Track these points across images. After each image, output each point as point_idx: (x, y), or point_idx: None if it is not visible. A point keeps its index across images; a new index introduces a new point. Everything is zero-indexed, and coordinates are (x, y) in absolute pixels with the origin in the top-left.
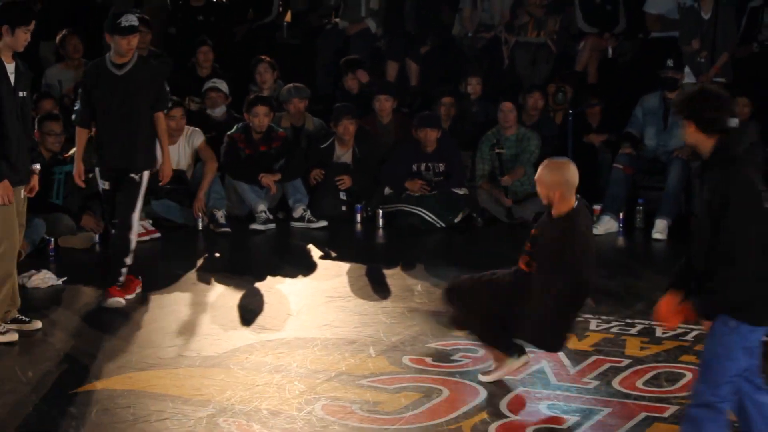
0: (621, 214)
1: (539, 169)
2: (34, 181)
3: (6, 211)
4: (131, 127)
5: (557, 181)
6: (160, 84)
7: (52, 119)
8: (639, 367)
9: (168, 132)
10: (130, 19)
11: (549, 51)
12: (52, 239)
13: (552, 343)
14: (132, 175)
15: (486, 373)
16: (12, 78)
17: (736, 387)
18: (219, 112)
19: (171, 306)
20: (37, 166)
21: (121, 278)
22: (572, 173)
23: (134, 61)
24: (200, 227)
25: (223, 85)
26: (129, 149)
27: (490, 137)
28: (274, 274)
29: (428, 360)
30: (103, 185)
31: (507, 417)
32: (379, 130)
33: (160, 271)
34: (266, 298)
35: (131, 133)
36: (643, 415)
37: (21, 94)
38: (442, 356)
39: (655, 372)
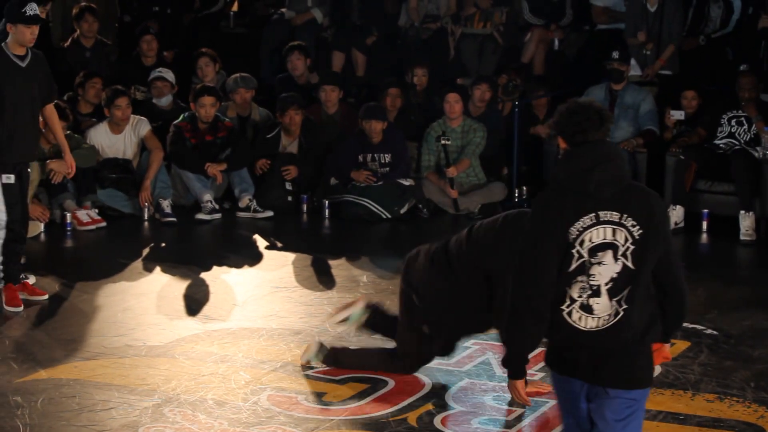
0: None
1: None
2: None
3: None
4: (36, 120)
5: None
6: (50, 75)
7: None
8: None
9: (114, 121)
10: (35, 8)
11: (495, 42)
12: None
13: None
14: (28, 169)
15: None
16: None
17: None
18: (165, 101)
19: (116, 295)
20: None
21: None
22: None
23: (30, 52)
24: (146, 216)
25: (169, 75)
26: (34, 142)
27: (436, 128)
28: (219, 264)
29: None
30: (8, 179)
31: (452, 408)
32: (325, 121)
33: (106, 260)
34: (212, 288)
35: (36, 126)
36: None
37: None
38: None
39: None
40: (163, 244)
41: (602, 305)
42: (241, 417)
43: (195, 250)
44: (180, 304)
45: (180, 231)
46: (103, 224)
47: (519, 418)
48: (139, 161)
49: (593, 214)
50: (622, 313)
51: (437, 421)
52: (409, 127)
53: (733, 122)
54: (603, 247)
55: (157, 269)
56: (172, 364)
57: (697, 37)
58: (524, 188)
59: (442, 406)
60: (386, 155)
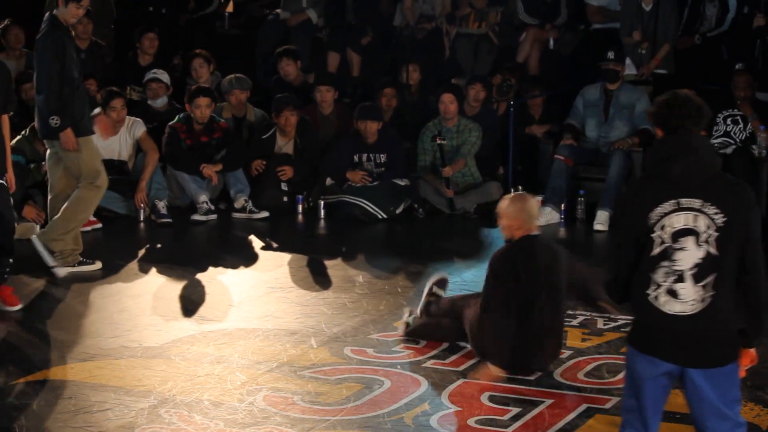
0: (562, 206)
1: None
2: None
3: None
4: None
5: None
6: (9, 86)
7: None
8: (580, 358)
9: (110, 123)
10: None
11: (490, 42)
12: None
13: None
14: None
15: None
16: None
17: None
18: (160, 102)
19: (112, 296)
20: None
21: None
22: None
23: None
24: (141, 218)
25: (165, 76)
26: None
27: (431, 128)
28: (215, 265)
29: (370, 351)
30: None
31: (448, 408)
32: (320, 121)
33: (102, 261)
34: (208, 289)
35: (1, 139)
36: (584, 406)
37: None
38: (383, 347)
39: (596, 363)
40: (159, 245)
41: (688, 290)
42: (237, 417)
43: (191, 251)
44: (176, 305)
45: (176, 232)
46: (99, 225)
47: (515, 418)
48: (135, 162)
49: (674, 201)
50: (709, 300)
51: (433, 420)
52: (404, 127)
53: (728, 121)
54: (684, 232)
55: (153, 270)
56: (168, 365)
57: (692, 36)
58: (519, 188)
59: (438, 406)
60: (381, 155)
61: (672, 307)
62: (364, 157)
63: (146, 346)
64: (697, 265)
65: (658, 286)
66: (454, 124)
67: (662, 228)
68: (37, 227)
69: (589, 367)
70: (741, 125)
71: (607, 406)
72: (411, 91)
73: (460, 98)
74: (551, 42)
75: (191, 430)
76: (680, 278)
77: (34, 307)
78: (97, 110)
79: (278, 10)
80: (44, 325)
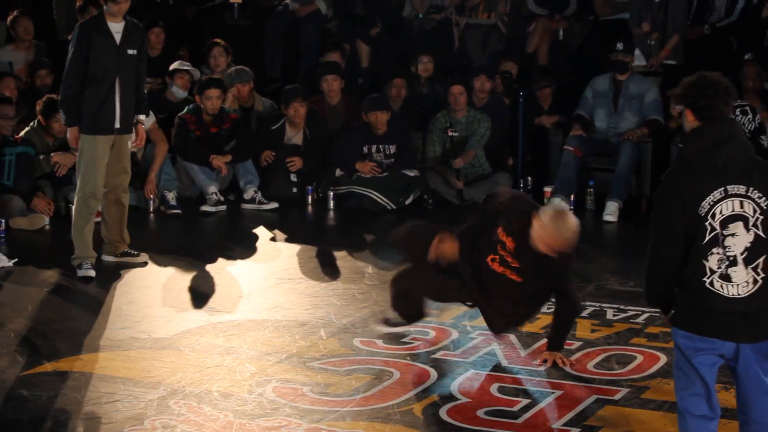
0: (572, 196)
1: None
2: (141, 131)
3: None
4: None
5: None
6: None
7: (5, 102)
8: (590, 349)
9: None
10: None
11: (500, 33)
12: (3, 221)
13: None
14: None
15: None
16: (118, 37)
17: None
18: (182, 95)
19: (121, 288)
20: (142, 117)
21: None
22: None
23: None
24: (151, 209)
25: (194, 70)
26: None
27: (441, 119)
28: (224, 256)
29: (379, 342)
30: None
31: (458, 399)
32: (328, 112)
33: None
34: (217, 280)
35: None
36: (594, 397)
37: (130, 51)
38: (392, 338)
39: (606, 354)
40: (168, 237)
41: (740, 274)
42: (246, 409)
43: (200, 242)
44: (185, 296)
45: (185, 223)
46: None
47: (524, 409)
48: (144, 153)
49: (722, 188)
50: (761, 282)
51: (442, 412)
52: (414, 117)
53: (737, 111)
54: (733, 218)
55: (162, 261)
56: (177, 356)
57: (701, 26)
58: (529, 178)
59: (448, 398)
60: (391, 146)
61: (727, 290)
62: (374, 148)
63: (156, 338)
64: (747, 249)
65: (713, 272)
66: (464, 116)
67: (713, 216)
68: (47, 218)
69: (598, 359)
70: (750, 116)
71: (617, 397)
72: (420, 81)
73: (469, 89)
74: (560, 32)
75: (200, 421)
76: (733, 263)
77: (43, 298)
78: None
79: (287, 1)
80: (53, 316)
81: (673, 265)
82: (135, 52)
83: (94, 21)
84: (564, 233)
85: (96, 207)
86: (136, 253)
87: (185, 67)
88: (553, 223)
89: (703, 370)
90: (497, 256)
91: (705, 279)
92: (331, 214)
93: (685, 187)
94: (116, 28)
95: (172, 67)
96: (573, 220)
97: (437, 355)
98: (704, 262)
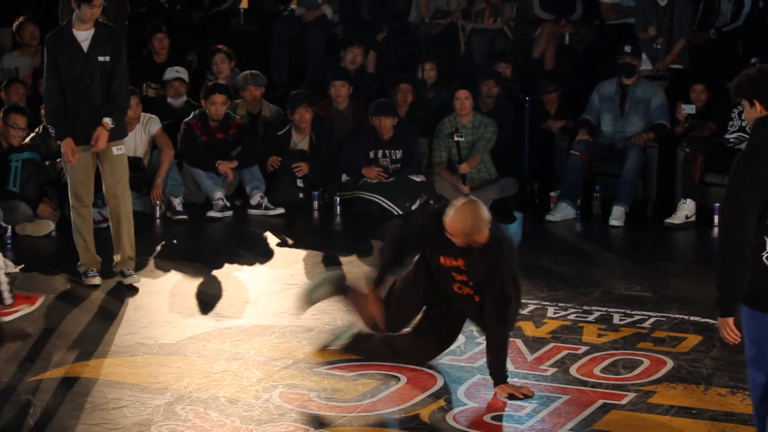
0: (578, 201)
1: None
2: (99, 132)
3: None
4: None
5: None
6: None
7: (18, 112)
8: (596, 354)
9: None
10: None
11: (506, 38)
12: (9, 227)
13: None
14: None
15: None
16: (85, 45)
17: None
18: (180, 101)
19: (128, 293)
20: (107, 120)
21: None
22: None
23: None
24: (157, 214)
25: (185, 74)
26: None
27: (447, 124)
28: (231, 262)
29: None
30: None
31: (465, 404)
32: (335, 117)
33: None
34: (224, 286)
35: None
36: (600, 402)
37: (101, 58)
38: None
39: (612, 359)
40: (175, 242)
41: None
42: (253, 414)
43: (206, 247)
44: (192, 302)
45: (191, 229)
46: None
47: (531, 414)
48: (150, 159)
49: None
50: None
51: (449, 417)
52: (420, 122)
53: (743, 116)
54: None
55: (169, 267)
56: (184, 362)
57: (707, 30)
58: (536, 183)
59: (455, 402)
60: (397, 151)
61: None
62: (380, 153)
63: (162, 343)
64: None
65: None
66: (470, 120)
67: None
68: (53, 225)
69: (605, 363)
70: None
71: (623, 401)
72: (426, 86)
73: (475, 94)
74: (567, 37)
75: (207, 427)
76: None
77: (50, 304)
78: None
79: (293, 6)
80: (59, 322)
81: (750, 242)
82: (107, 58)
83: (60, 31)
84: (458, 219)
85: (87, 215)
86: (129, 273)
87: (174, 75)
88: (451, 212)
89: (761, 345)
90: (458, 283)
91: (764, 254)
92: (338, 219)
93: (753, 168)
94: (83, 36)
95: (164, 77)
96: (470, 207)
97: (444, 360)
98: (765, 237)
